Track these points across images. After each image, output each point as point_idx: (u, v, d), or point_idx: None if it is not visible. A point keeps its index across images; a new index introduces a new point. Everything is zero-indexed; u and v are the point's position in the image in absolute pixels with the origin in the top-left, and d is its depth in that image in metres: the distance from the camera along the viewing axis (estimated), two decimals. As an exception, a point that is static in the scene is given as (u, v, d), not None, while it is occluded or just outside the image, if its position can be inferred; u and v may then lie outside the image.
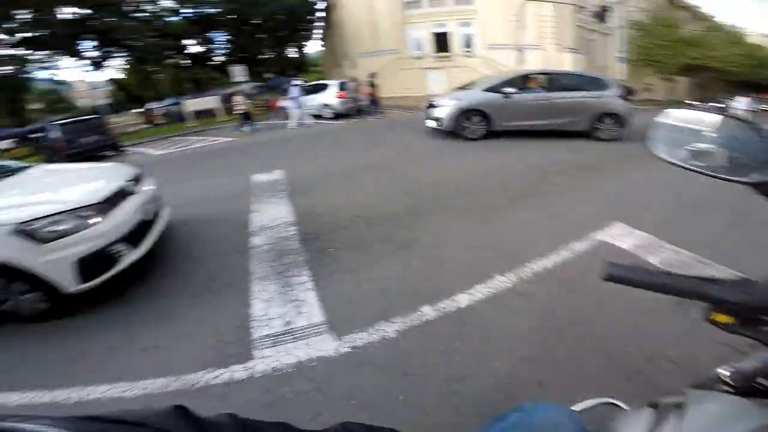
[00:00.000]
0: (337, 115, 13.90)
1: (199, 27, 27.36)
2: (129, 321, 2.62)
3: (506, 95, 7.71)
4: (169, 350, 2.31)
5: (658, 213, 3.84)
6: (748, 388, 0.64)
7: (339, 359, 2.10)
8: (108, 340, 2.43)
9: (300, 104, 12.90)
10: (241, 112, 13.05)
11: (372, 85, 13.84)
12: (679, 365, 1.91)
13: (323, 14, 33.23)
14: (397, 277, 2.88)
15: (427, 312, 2.44)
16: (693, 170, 0.77)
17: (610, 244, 3.22)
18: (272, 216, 4.24)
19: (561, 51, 21.70)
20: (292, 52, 38.07)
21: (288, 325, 2.41)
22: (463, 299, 2.55)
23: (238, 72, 17.48)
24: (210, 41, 30.21)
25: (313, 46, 44.48)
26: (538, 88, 8.03)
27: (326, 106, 14.05)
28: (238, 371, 2.08)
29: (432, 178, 5.25)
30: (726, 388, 0.61)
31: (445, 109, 7.97)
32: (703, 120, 0.76)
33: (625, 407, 0.72)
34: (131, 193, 3.18)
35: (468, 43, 24.39)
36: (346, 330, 2.32)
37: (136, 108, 27.61)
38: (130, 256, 2.87)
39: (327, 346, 2.20)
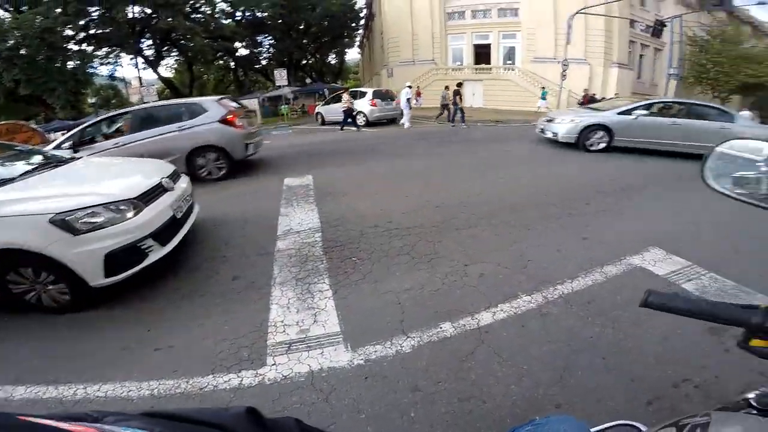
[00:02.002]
0: (369, 123, 14.27)
1: (249, 30, 28.43)
2: (146, 319, 2.63)
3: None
4: (183, 351, 2.29)
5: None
6: None
7: (351, 371, 2.04)
8: (123, 338, 2.44)
9: (410, 107, 13.70)
10: (346, 111, 13.40)
11: (459, 94, 13.85)
12: (705, 391, 1.82)
13: (364, 22, 33.92)
14: (419, 291, 2.78)
15: (447, 328, 2.34)
16: (743, 201, 0.76)
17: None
18: (299, 220, 4.24)
19: (608, 66, 20.91)
20: (332, 59, 38.90)
21: (304, 333, 2.37)
22: (484, 317, 2.44)
23: (282, 76, 18.06)
24: (257, 45, 31.32)
25: (352, 54, 45.35)
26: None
27: (361, 113, 14.41)
28: (248, 377, 2.04)
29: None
30: (753, 411, 0.59)
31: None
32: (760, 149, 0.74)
33: (644, 429, 0.71)
34: (167, 190, 3.26)
35: (510, 56, 24.05)
36: (362, 342, 2.26)
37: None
38: (157, 253, 2.92)
39: (340, 357, 2.15)
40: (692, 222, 3.98)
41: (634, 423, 0.74)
